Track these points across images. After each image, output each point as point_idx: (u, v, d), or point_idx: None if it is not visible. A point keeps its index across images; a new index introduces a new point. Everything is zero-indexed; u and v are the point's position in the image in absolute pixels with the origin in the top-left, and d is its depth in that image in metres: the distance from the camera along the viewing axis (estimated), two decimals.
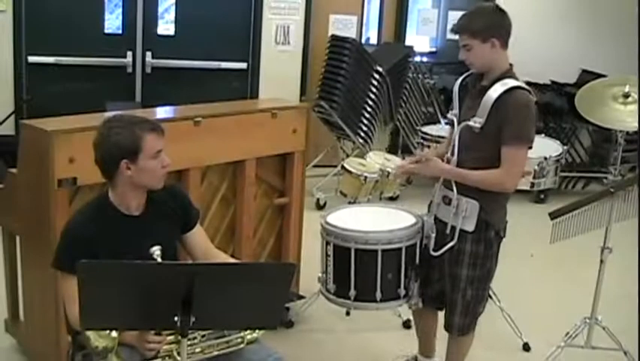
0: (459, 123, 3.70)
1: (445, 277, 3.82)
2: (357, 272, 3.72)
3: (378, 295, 3.76)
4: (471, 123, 3.61)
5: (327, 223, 3.85)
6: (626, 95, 5.86)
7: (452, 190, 3.67)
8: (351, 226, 3.80)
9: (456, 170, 3.65)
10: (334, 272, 3.86)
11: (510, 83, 3.60)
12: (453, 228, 3.68)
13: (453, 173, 3.67)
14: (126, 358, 2.86)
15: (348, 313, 5.01)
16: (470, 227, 3.65)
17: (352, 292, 3.78)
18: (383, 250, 3.65)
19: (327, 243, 3.86)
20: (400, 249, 3.68)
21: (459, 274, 3.74)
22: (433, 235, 3.76)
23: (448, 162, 3.69)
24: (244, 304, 2.67)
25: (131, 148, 2.92)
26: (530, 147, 3.60)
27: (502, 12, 3.70)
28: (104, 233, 2.97)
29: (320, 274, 4.00)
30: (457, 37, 3.74)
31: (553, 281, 5.95)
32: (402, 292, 3.80)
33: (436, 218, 3.82)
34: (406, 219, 3.88)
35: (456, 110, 3.79)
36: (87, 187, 3.73)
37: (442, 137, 4.73)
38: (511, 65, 3.76)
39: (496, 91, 3.56)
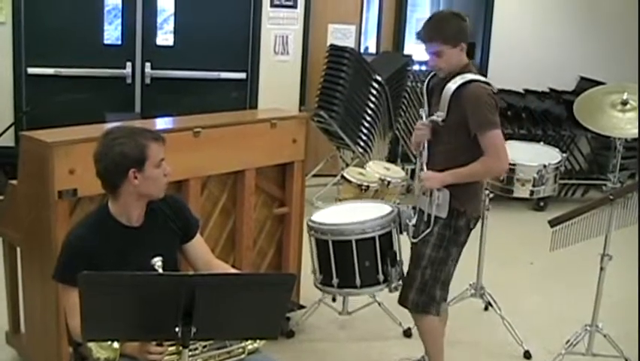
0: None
1: (412, 256, 4.01)
2: (336, 262, 3.97)
3: (358, 281, 3.99)
4: (434, 118, 3.87)
5: (310, 221, 4.12)
6: (625, 103, 5.88)
7: None
8: (328, 220, 4.06)
9: (452, 172, 3.83)
10: (319, 263, 4.12)
11: (468, 76, 3.81)
12: (429, 216, 3.88)
13: (451, 177, 3.84)
14: None
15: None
16: (443, 214, 3.87)
17: (335, 280, 4.02)
18: (357, 240, 3.87)
19: (310, 237, 4.14)
20: (372, 238, 3.90)
21: (423, 253, 3.94)
22: (411, 223, 3.97)
23: (421, 155, 3.95)
24: (245, 315, 2.68)
25: (138, 157, 2.93)
26: (499, 127, 3.80)
27: (462, 16, 3.91)
28: (105, 245, 2.97)
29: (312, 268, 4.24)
30: None
31: (553, 289, 5.95)
32: (381, 277, 4.01)
33: (420, 209, 3.99)
34: (381, 210, 4.07)
35: (425, 107, 4.01)
36: (87, 198, 3.74)
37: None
38: (468, 58, 3.95)
39: (455, 83, 3.79)
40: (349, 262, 3.91)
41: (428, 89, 4.07)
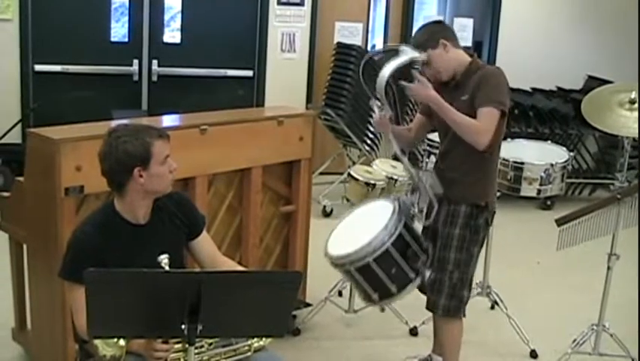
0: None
1: (435, 263, 3.95)
2: (366, 281, 3.84)
3: (394, 289, 3.86)
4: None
5: (327, 255, 3.95)
6: (633, 102, 5.86)
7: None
8: (341, 251, 3.89)
9: (444, 103, 3.79)
10: (356, 288, 4.00)
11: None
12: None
13: (441, 103, 3.80)
14: None
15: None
16: (439, 190, 3.94)
17: (375, 296, 3.89)
18: (374, 259, 3.74)
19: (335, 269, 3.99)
20: (386, 250, 3.77)
21: (447, 258, 3.92)
22: (417, 210, 3.97)
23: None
24: (251, 312, 2.68)
25: (143, 155, 2.93)
26: (504, 113, 3.76)
27: (438, 22, 4.04)
28: (111, 243, 2.97)
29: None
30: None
31: (560, 288, 5.94)
32: (412, 275, 3.87)
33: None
34: (383, 214, 3.91)
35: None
36: (94, 196, 3.74)
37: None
38: (471, 55, 3.95)
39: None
40: (377, 278, 3.80)
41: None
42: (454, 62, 3.86)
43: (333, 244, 3.99)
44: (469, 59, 3.89)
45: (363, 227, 3.93)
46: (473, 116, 3.74)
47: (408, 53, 3.86)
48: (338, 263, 3.84)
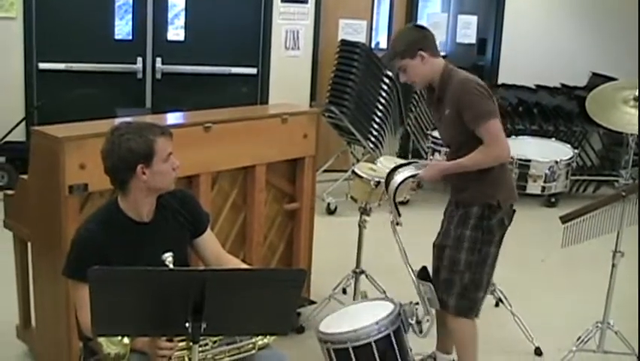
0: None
1: (446, 261, 3.95)
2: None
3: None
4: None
5: (316, 331, 3.93)
6: (637, 99, 5.84)
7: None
8: (327, 329, 3.89)
9: (452, 162, 3.87)
10: None
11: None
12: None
13: (451, 166, 3.88)
14: None
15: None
16: (435, 306, 4.01)
17: None
18: (353, 348, 3.72)
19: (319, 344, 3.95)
20: (368, 344, 3.73)
21: (458, 258, 3.90)
22: (414, 322, 3.95)
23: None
24: (255, 310, 2.68)
25: (146, 152, 2.93)
26: (496, 116, 3.75)
27: (419, 27, 4.00)
28: (115, 240, 2.98)
29: None
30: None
31: (564, 285, 5.93)
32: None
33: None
34: (380, 312, 3.87)
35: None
36: (98, 193, 3.74)
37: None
38: (444, 57, 4.03)
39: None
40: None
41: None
42: (430, 72, 3.86)
43: (326, 323, 4.00)
44: (440, 66, 3.89)
45: (357, 316, 3.94)
46: (461, 130, 3.77)
47: (418, 167, 3.94)
48: (320, 338, 3.86)
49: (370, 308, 4.02)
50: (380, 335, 3.76)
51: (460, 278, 3.90)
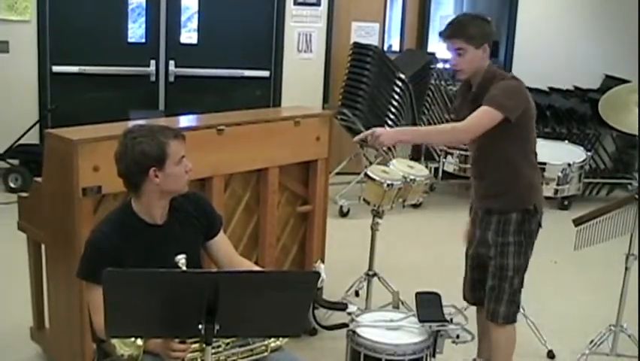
0: None
1: (494, 270, 3.90)
2: None
3: None
4: None
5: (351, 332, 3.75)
6: (637, 99, 5.82)
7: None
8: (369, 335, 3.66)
9: (415, 128, 3.80)
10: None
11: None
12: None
13: (409, 132, 3.96)
14: None
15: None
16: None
17: None
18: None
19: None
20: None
21: (506, 265, 3.86)
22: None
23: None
24: (268, 312, 2.68)
25: (158, 155, 2.94)
26: (509, 120, 3.65)
27: (487, 19, 3.89)
28: (129, 243, 2.99)
29: None
30: None
31: (577, 288, 5.92)
32: None
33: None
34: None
35: None
36: (111, 196, 3.76)
37: (465, 144, 4.78)
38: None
39: None
40: None
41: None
42: (480, 68, 3.79)
43: (362, 327, 3.74)
44: (487, 66, 3.81)
45: (396, 328, 3.74)
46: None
47: None
48: (354, 340, 3.62)
49: (408, 321, 3.81)
50: (414, 357, 3.63)
51: (509, 284, 3.87)
